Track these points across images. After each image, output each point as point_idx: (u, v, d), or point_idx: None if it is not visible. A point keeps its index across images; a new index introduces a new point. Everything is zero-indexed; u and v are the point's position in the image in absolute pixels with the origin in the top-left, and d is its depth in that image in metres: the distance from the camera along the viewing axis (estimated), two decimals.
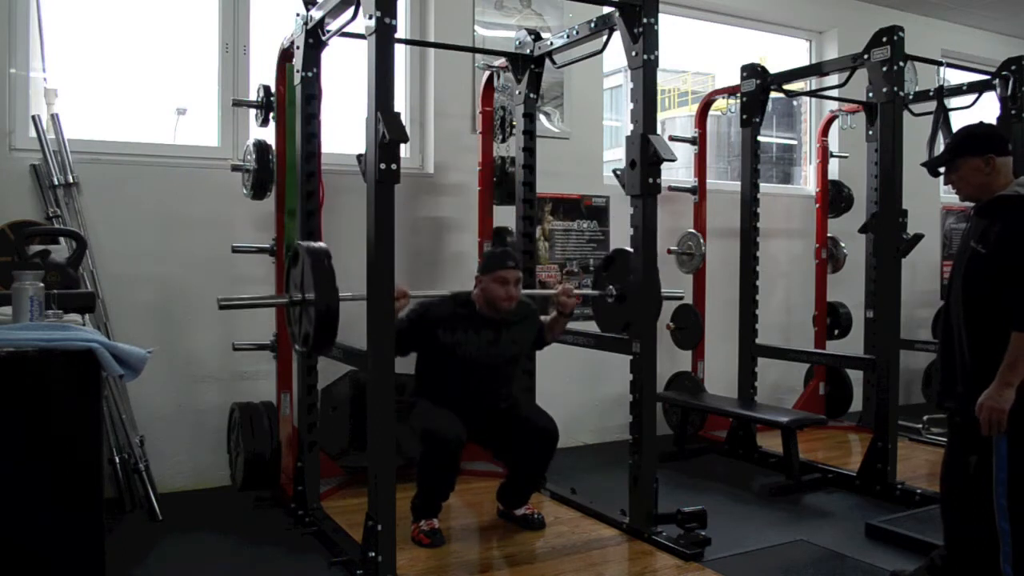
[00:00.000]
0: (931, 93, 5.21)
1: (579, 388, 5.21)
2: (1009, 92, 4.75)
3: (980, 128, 2.83)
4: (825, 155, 5.90)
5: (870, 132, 5.25)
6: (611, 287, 3.78)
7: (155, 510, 3.70)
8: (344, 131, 4.24)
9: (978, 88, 5.13)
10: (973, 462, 2.73)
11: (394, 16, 2.77)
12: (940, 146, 5.06)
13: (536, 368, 4.30)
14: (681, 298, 4.49)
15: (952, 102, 5.29)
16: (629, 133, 3.45)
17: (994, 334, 2.56)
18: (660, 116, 7.80)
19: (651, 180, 3.40)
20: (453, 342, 3.47)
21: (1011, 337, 2.51)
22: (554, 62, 4.26)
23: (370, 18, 2.77)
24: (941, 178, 2.88)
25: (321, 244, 2.96)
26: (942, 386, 2.81)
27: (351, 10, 3.14)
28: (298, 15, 3.57)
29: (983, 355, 2.61)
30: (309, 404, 3.71)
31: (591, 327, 4.02)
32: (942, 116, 5.13)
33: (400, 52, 4.73)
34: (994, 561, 2.65)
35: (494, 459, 4.09)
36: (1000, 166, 2.69)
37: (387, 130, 2.72)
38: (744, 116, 5.04)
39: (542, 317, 3.80)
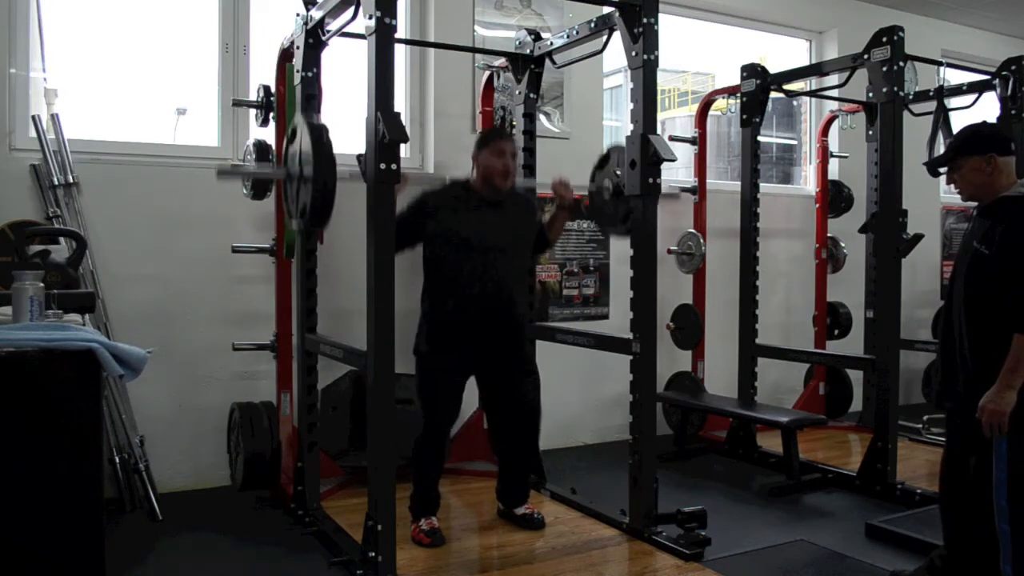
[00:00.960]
0: (931, 93, 5.21)
1: (579, 388, 5.21)
2: (1009, 92, 4.75)
3: (983, 127, 2.82)
4: (825, 155, 5.90)
5: (870, 132, 5.25)
6: (607, 181, 3.73)
7: (155, 510, 3.70)
8: (344, 131, 4.23)
9: (978, 88, 5.13)
10: (972, 463, 2.73)
11: (394, 16, 2.77)
12: (940, 146, 5.07)
13: (536, 368, 4.29)
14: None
15: (952, 102, 5.29)
16: (629, 133, 3.45)
17: (995, 335, 2.56)
18: (660, 116, 7.79)
19: (651, 180, 3.40)
20: (453, 223, 3.41)
21: (1013, 339, 2.51)
22: (554, 62, 4.26)
23: (370, 18, 2.77)
24: (942, 178, 2.87)
25: (320, 121, 3.01)
26: (942, 386, 2.81)
27: (351, 10, 3.14)
28: (298, 15, 3.57)
29: (984, 356, 2.61)
30: (309, 404, 3.72)
31: (591, 327, 4.02)
32: (942, 116, 5.14)
33: (400, 52, 4.73)
34: (994, 562, 2.65)
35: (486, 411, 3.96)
36: (1002, 166, 2.67)
37: (387, 130, 2.73)
38: (744, 116, 5.04)
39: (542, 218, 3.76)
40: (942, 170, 2.83)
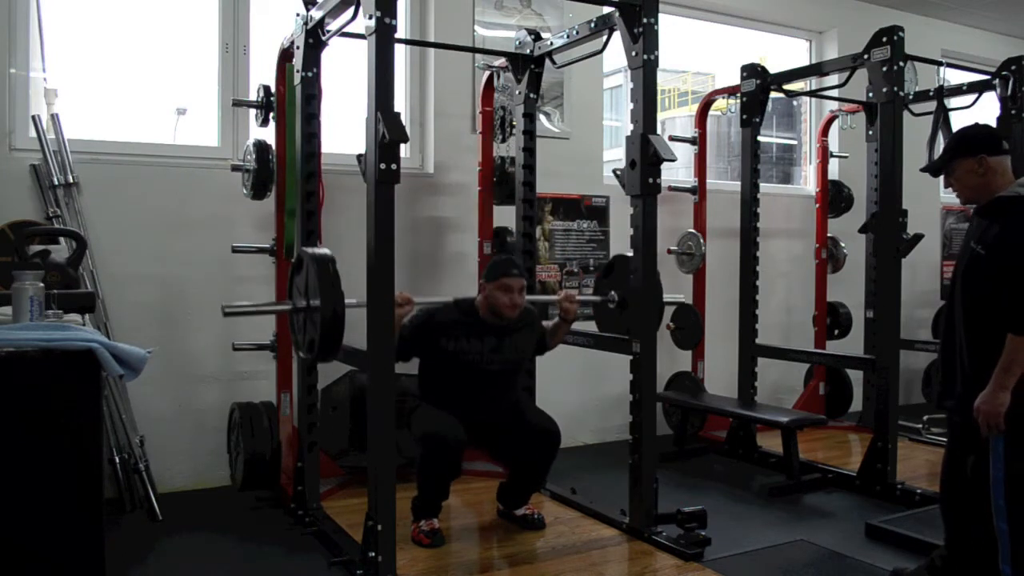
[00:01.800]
0: (931, 93, 5.21)
1: (579, 388, 5.21)
2: (1009, 92, 4.74)
3: (972, 129, 2.81)
4: (825, 155, 5.90)
5: (870, 132, 5.25)
6: (612, 293, 3.78)
7: (155, 510, 3.70)
8: (344, 131, 4.24)
9: (978, 88, 5.13)
10: (971, 462, 2.73)
11: (394, 16, 2.77)
12: (940, 146, 5.06)
13: (536, 368, 4.30)
14: (681, 302, 4.47)
15: (952, 102, 5.28)
16: (629, 133, 3.45)
17: (993, 335, 2.56)
18: (660, 116, 7.80)
19: (651, 180, 3.40)
20: (456, 349, 3.47)
21: (1007, 339, 2.51)
22: (554, 62, 4.26)
23: (370, 18, 2.77)
24: (942, 178, 2.88)
25: (326, 250, 2.95)
26: (942, 386, 2.81)
27: (351, 10, 3.14)
28: (298, 15, 3.57)
29: (982, 356, 2.61)
30: (309, 404, 3.71)
31: (591, 327, 4.01)
32: (942, 116, 5.13)
33: (400, 52, 4.73)
34: (993, 561, 2.65)
35: (494, 460, 4.09)
36: (995, 165, 2.67)
37: (387, 130, 2.73)
38: (744, 116, 5.04)
39: (544, 323, 3.80)
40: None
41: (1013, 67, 4.75)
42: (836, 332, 5.93)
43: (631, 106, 3.45)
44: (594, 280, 5.03)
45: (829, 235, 5.89)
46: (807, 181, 6.74)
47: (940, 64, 5.25)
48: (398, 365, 2.93)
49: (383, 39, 2.77)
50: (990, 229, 2.63)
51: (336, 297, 2.82)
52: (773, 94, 5.09)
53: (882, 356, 4.24)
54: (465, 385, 3.51)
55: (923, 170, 3.01)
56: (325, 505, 3.75)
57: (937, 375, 2.88)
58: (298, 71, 3.59)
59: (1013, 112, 4.73)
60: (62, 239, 3.50)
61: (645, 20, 3.36)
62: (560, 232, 5.16)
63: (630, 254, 3.55)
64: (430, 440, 3.32)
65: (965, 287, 2.68)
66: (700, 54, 7.05)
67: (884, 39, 4.11)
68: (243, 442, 3.94)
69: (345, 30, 3.34)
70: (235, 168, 4.03)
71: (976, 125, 2.90)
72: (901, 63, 4.09)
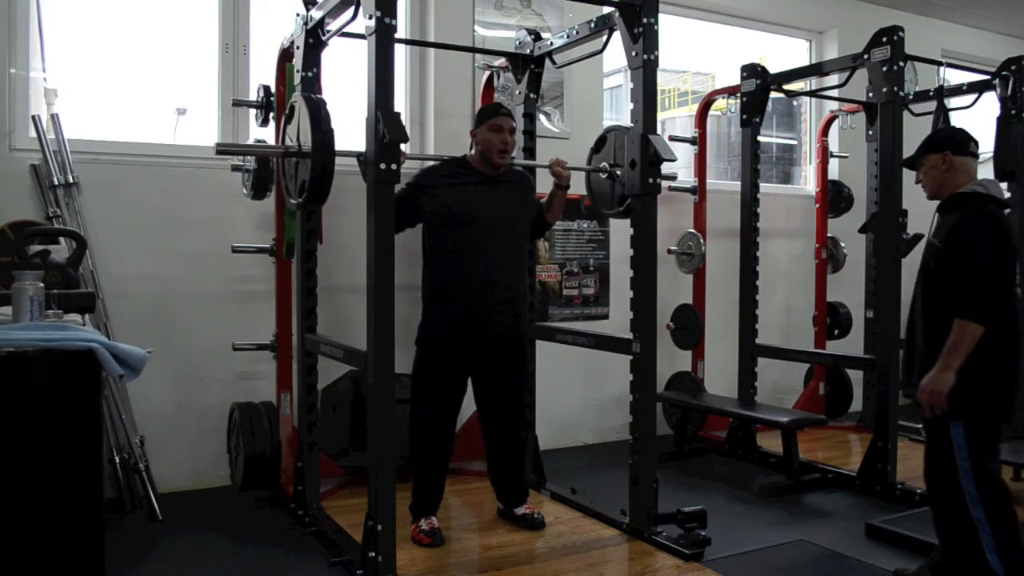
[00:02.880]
0: (931, 93, 5.21)
1: (579, 388, 5.21)
2: (1009, 92, 4.74)
3: (943, 130, 3.01)
4: (825, 155, 5.90)
5: (870, 132, 5.25)
6: (604, 164, 3.75)
7: (155, 510, 3.70)
8: (344, 131, 4.23)
9: (978, 88, 5.13)
10: (933, 449, 2.81)
11: (394, 16, 2.77)
12: None
13: (536, 369, 4.30)
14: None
15: (952, 102, 5.29)
16: (629, 133, 3.45)
17: (946, 322, 2.66)
18: (660, 116, 7.79)
19: (651, 180, 3.40)
20: (451, 199, 3.40)
21: (954, 323, 2.62)
22: (554, 62, 4.26)
23: (370, 18, 2.77)
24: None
25: (319, 96, 2.98)
26: (906, 377, 2.92)
27: (351, 10, 3.14)
28: (298, 15, 3.57)
29: (935, 344, 2.71)
30: (309, 404, 3.72)
31: (591, 327, 4.02)
32: (942, 116, 5.13)
33: (400, 52, 4.73)
34: (980, 552, 2.68)
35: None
36: (959, 164, 2.82)
37: (387, 130, 2.73)
38: (744, 116, 5.05)
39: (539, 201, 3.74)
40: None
41: (1013, 67, 4.75)
42: (836, 332, 5.93)
43: (631, 106, 3.45)
44: (596, 285, 5.05)
45: (829, 235, 5.89)
46: (807, 181, 6.74)
47: (940, 64, 5.25)
48: (396, 361, 2.92)
49: (383, 39, 2.77)
50: (946, 223, 2.78)
51: (327, 139, 2.87)
52: (773, 94, 5.09)
53: (882, 356, 4.24)
54: (464, 243, 3.36)
55: (900, 164, 3.12)
56: (325, 505, 3.75)
57: (902, 365, 2.99)
58: (298, 71, 3.58)
59: (1013, 112, 4.73)
60: (62, 239, 3.50)
61: (645, 20, 3.36)
62: (560, 232, 5.16)
63: (629, 262, 3.51)
64: (418, 440, 3.41)
65: (923, 278, 2.83)
66: (700, 54, 7.05)
67: (884, 39, 4.11)
68: (243, 442, 3.94)
69: (345, 30, 3.34)
70: (235, 168, 4.03)
71: (950, 127, 3.08)
72: (901, 63, 4.10)
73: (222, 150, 3.11)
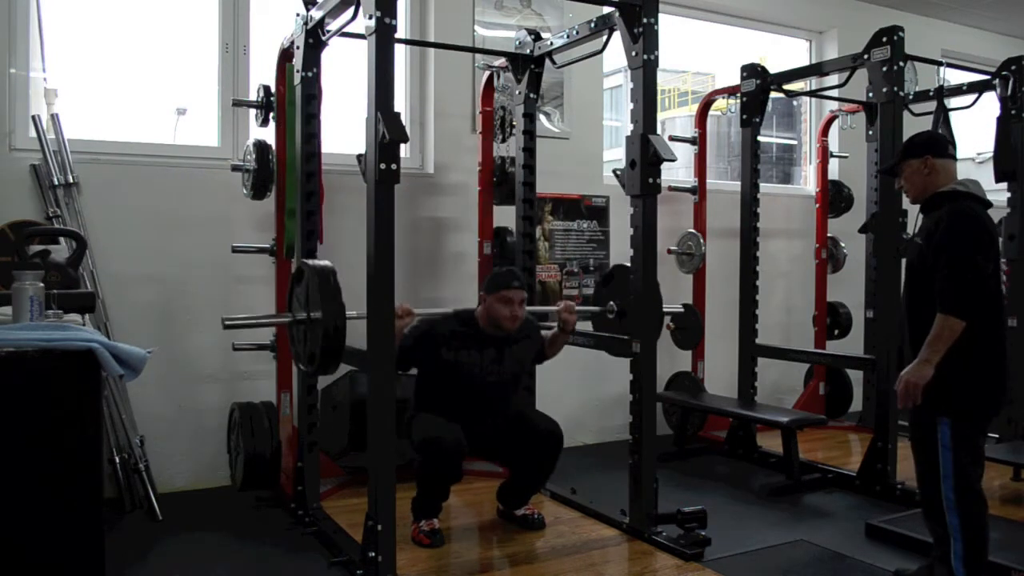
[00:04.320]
0: (931, 93, 5.20)
1: (579, 388, 5.21)
2: (1009, 92, 4.74)
3: (922, 134, 3.00)
4: (825, 155, 5.90)
5: (870, 132, 5.24)
6: (612, 303, 3.79)
7: (155, 510, 3.70)
8: (344, 131, 4.24)
9: (978, 88, 5.12)
10: (919, 450, 2.81)
11: (394, 16, 2.77)
12: None
13: (536, 369, 4.29)
14: (680, 313, 4.47)
15: (952, 102, 5.28)
16: (629, 133, 3.45)
17: (930, 319, 2.67)
18: (660, 116, 7.80)
19: (651, 180, 3.40)
20: (456, 360, 3.47)
21: (936, 318, 2.64)
22: (554, 62, 4.26)
23: (370, 18, 2.77)
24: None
25: (326, 263, 2.94)
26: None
27: (351, 10, 3.14)
28: (298, 15, 3.57)
29: (920, 341, 2.72)
30: (309, 404, 3.72)
31: (591, 327, 4.01)
32: (942, 116, 5.12)
33: (400, 52, 4.73)
34: (946, 557, 2.69)
35: (491, 461, 4.09)
36: (939, 167, 2.84)
37: (387, 130, 2.72)
38: (744, 116, 5.04)
39: (543, 332, 3.80)
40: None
41: (1013, 67, 4.75)
42: (836, 332, 5.93)
43: (631, 106, 3.45)
44: (593, 287, 5.05)
45: (829, 235, 5.89)
46: (807, 181, 6.74)
47: (940, 64, 5.25)
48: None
49: (383, 39, 2.77)
50: (928, 223, 2.81)
51: (338, 310, 2.81)
52: (773, 94, 5.09)
53: (882, 356, 4.24)
54: (464, 395, 3.50)
55: (879, 171, 3.13)
56: (325, 505, 3.75)
57: (895, 367, 3.02)
58: (298, 71, 3.59)
59: (1013, 112, 4.73)
60: (62, 239, 3.50)
61: (645, 20, 3.36)
62: (560, 232, 5.16)
63: (629, 263, 3.54)
64: (430, 446, 3.30)
65: (909, 277, 2.86)
66: (700, 54, 7.05)
67: (884, 39, 4.11)
68: (243, 442, 3.94)
69: (345, 30, 3.34)
70: (235, 168, 4.03)
71: (927, 132, 3.13)
72: (901, 63, 4.10)
73: (229, 325, 3.04)
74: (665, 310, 3.75)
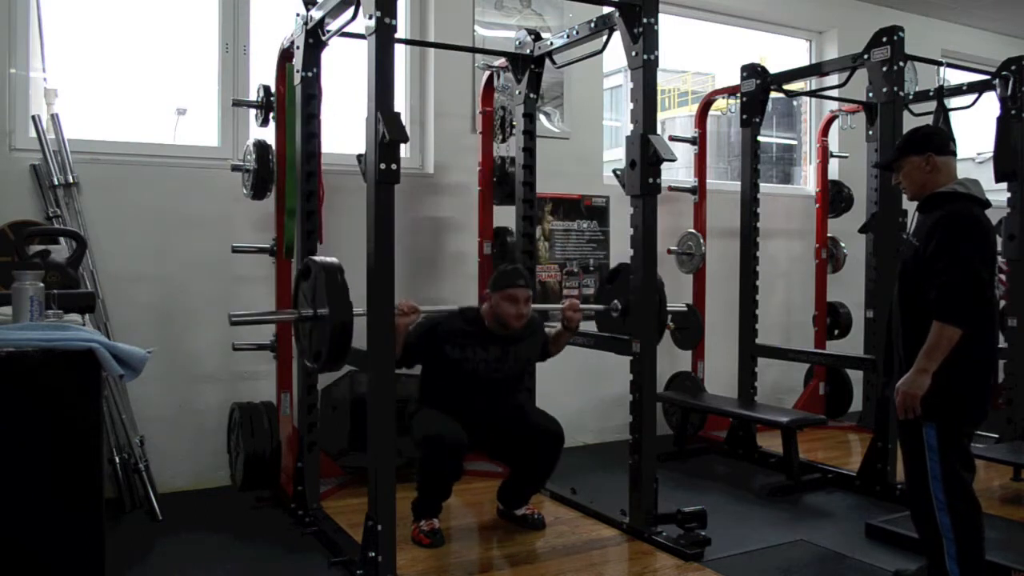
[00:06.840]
0: (931, 93, 5.21)
1: (579, 388, 5.20)
2: (1009, 92, 4.74)
3: (923, 129, 2.94)
4: (825, 155, 5.90)
5: (870, 132, 5.23)
6: (615, 302, 3.79)
7: (155, 510, 3.70)
8: (344, 131, 4.24)
9: (978, 88, 5.12)
10: (907, 451, 2.80)
11: (394, 16, 2.77)
12: None
13: (536, 369, 4.30)
14: (684, 309, 4.48)
15: (952, 102, 5.28)
16: (629, 133, 3.45)
17: (924, 324, 2.64)
18: (660, 116, 7.80)
19: (651, 180, 3.40)
20: (461, 358, 3.48)
21: (932, 325, 2.60)
22: (554, 62, 4.26)
23: (370, 18, 2.77)
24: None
25: (334, 259, 2.95)
26: (885, 375, 2.93)
27: (351, 10, 3.14)
28: (298, 15, 3.57)
29: (913, 346, 2.69)
30: (309, 404, 3.72)
31: (591, 327, 4.01)
32: (942, 116, 5.13)
33: (400, 52, 4.73)
34: (940, 559, 2.67)
35: (495, 461, 4.09)
36: (940, 165, 2.78)
37: (387, 130, 2.72)
38: (744, 116, 5.05)
39: (546, 329, 3.80)
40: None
41: (1013, 67, 4.75)
42: (836, 332, 5.94)
43: (631, 106, 3.45)
44: (595, 286, 5.05)
45: (829, 235, 5.89)
46: (807, 181, 6.74)
47: (940, 64, 5.25)
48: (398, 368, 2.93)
49: (383, 39, 2.77)
50: (925, 222, 2.75)
51: (345, 307, 2.82)
52: (773, 94, 5.09)
53: (882, 356, 4.23)
54: (468, 392, 3.50)
55: (875, 166, 3.08)
56: (325, 505, 3.75)
57: (882, 365, 2.99)
58: (298, 71, 3.59)
59: (1013, 112, 4.73)
60: (62, 239, 3.50)
61: (645, 20, 3.36)
62: (560, 232, 5.16)
63: (629, 263, 3.55)
64: (431, 443, 3.31)
65: (902, 279, 2.80)
66: (700, 54, 7.05)
67: (884, 39, 4.11)
68: (243, 442, 3.94)
69: (345, 30, 3.33)
70: (235, 168, 4.03)
71: (927, 126, 3.06)
72: (901, 63, 4.10)
73: (236, 321, 3.03)
74: (668, 309, 3.75)
